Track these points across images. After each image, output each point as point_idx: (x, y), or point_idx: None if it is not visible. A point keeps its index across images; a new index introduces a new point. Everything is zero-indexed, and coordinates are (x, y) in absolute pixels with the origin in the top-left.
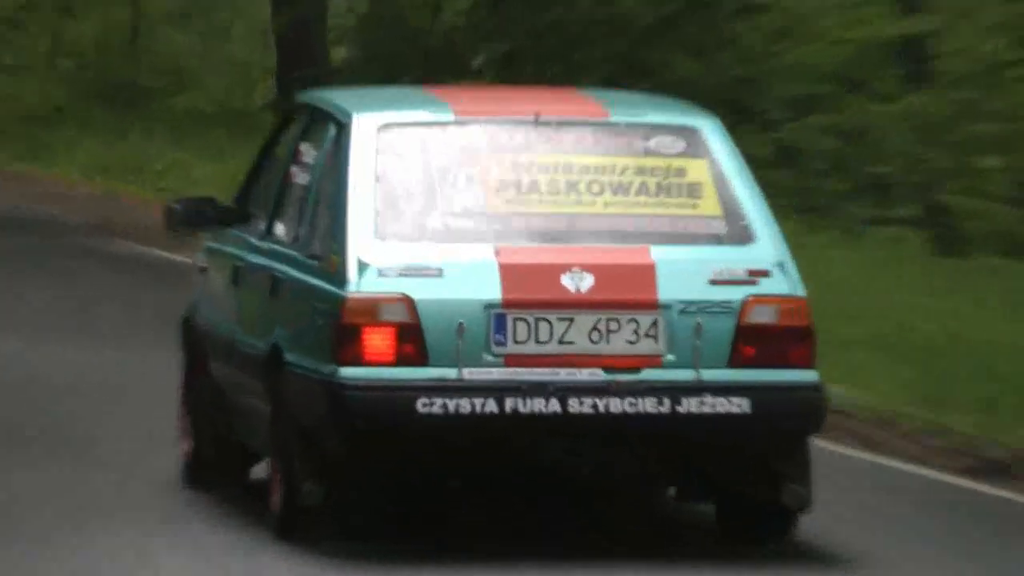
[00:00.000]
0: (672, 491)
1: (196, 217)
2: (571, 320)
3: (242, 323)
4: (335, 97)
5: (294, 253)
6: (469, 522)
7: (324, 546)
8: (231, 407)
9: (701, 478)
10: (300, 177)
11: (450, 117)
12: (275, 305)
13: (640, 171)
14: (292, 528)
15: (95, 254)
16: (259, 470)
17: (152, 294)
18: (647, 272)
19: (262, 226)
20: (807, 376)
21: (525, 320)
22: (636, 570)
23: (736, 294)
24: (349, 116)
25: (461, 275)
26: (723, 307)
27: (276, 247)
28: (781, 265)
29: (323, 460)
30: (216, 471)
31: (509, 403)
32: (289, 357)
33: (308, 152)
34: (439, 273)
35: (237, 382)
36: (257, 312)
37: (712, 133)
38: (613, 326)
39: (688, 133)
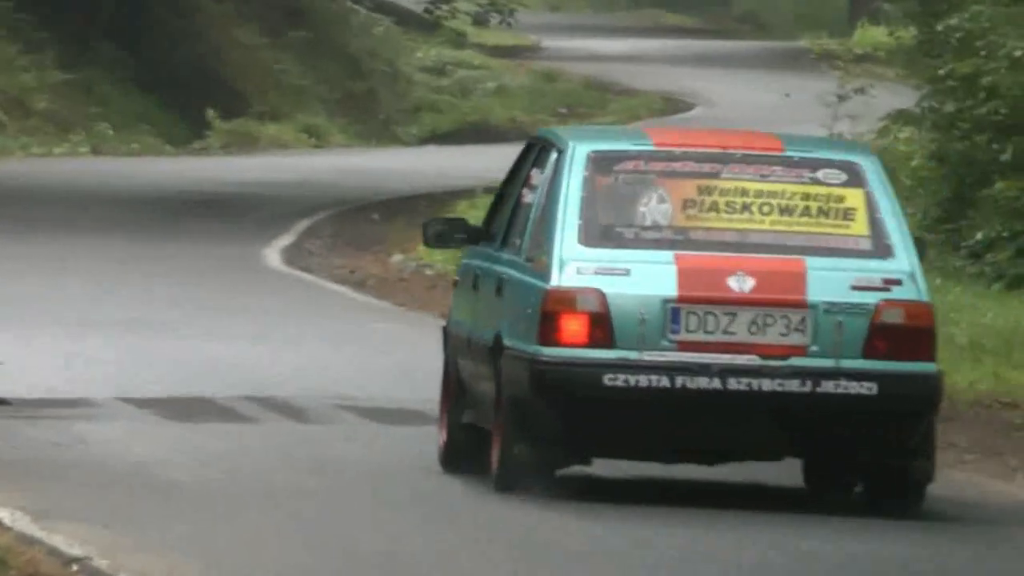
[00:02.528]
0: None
1: (445, 235)
2: (734, 315)
3: (477, 320)
4: (562, 132)
5: (516, 258)
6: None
7: (533, 501)
8: (472, 396)
9: (839, 457)
10: (528, 197)
11: (651, 147)
12: (499, 301)
13: (805, 196)
14: (506, 485)
15: None
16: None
17: None
18: (799, 278)
19: (499, 239)
20: (927, 367)
21: (696, 313)
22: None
23: (872, 298)
24: (567, 144)
25: (645, 274)
26: (861, 309)
27: (505, 255)
28: (912, 276)
29: (532, 425)
30: (464, 456)
31: (679, 380)
32: (507, 342)
33: (536, 176)
34: (627, 272)
35: (475, 372)
36: (487, 309)
37: (870, 169)
38: (769, 320)
39: (850, 167)
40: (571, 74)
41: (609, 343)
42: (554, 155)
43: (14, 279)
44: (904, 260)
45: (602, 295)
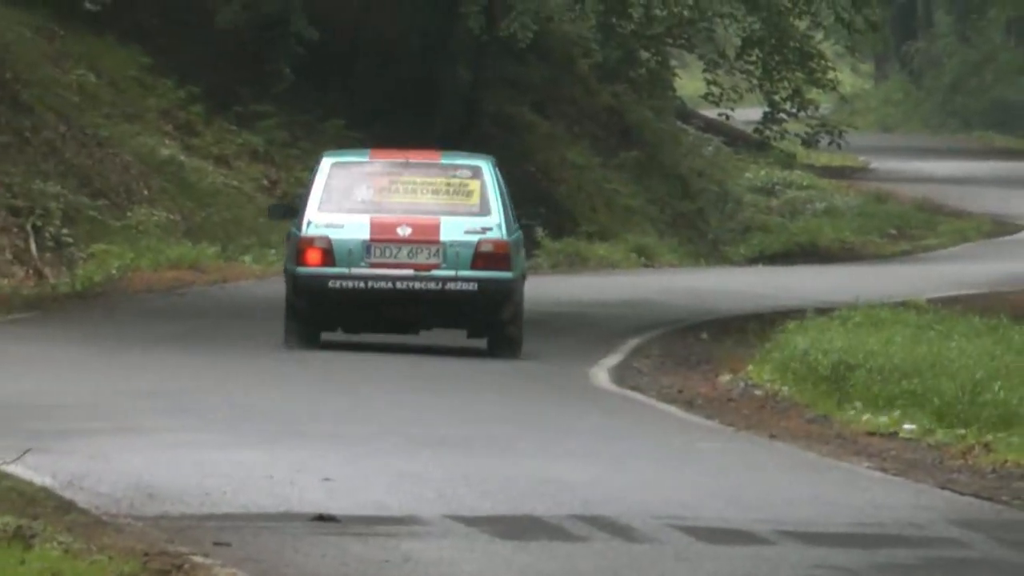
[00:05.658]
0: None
1: (279, 212)
2: (400, 248)
3: (287, 258)
4: (325, 152)
5: (298, 222)
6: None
7: (299, 353)
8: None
9: (468, 326)
10: (306, 188)
11: (367, 159)
12: (289, 246)
13: (447, 185)
14: (289, 346)
15: None
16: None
17: None
18: (436, 228)
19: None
20: (506, 275)
21: (380, 247)
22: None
23: (475, 238)
24: (322, 158)
25: (353, 227)
26: (469, 244)
27: (296, 221)
28: (499, 225)
29: (296, 312)
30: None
31: (371, 283)
32: (287, 267)
33: (311, 177)
34: (343, 226)
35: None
36: (287, 250)
37: (486, 169)
38: (419, 251)
39: (474, 168)
40: (901, 195)
41: (333, 264)
42: (317, 165)
43: (341, 395)
44: (496, 217)
45: (328, 239)
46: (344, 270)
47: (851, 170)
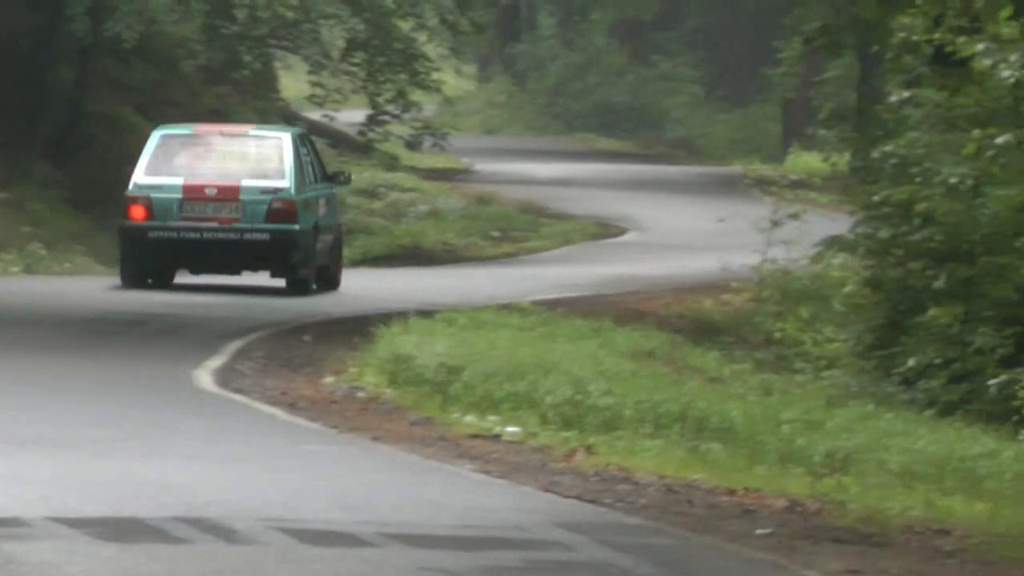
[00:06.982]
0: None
1: None
2: (207, 205)
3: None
4: (157, 126)
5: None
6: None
7: (131, 291)
8: None
9: (266, 268)
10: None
11: (191, 132)
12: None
13: (255, 152)
14: (124, 287)
15: None
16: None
17: None
18: (237, 189)
19: None
20: (292, 227)
21: (192, 204)
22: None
23: (269, 196)
24: (155, 129)
25: (169, 187)
26: (264, 201)
27: None
28: (288, 188)
29: (124, 258)
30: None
31: (183, 234)
32: (119, 222)
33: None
34: (161, 188)
35: None
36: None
37: (287, 139)
38: (223, 207)
39: (277, 138)
40: (504, 198)
41: (152, 219)
42: (150, 137)
43: None
44: (288, 180)
45: (149, 196)
46: (161, 223)
47: (454, 172)
